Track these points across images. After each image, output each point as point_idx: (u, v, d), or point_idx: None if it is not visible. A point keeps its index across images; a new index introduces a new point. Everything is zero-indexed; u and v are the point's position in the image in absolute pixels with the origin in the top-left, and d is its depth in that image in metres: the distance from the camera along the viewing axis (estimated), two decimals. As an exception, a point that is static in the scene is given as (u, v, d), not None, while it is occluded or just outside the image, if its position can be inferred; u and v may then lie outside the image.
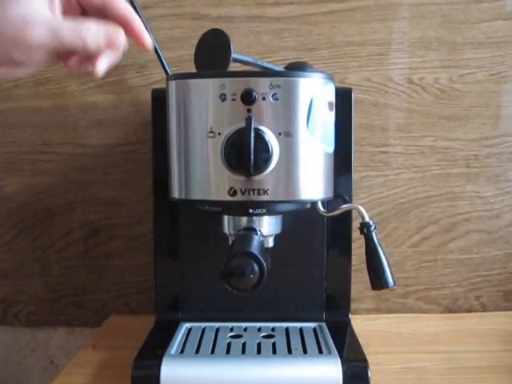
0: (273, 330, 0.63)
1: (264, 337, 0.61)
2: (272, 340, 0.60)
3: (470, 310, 0.79)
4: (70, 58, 0.45)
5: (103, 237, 0.80)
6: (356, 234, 0.60)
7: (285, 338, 0.61)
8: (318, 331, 0.63)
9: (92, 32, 0.43)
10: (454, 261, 0.79)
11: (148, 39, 0.46)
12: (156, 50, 0.61)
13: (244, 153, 0.48)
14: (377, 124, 0.77)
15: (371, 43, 0.75)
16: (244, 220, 0.55)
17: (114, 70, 0.76)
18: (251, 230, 0.54)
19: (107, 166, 0.79)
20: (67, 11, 0.45)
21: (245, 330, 0.64)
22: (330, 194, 0.55)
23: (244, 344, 0.59)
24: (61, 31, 0.42)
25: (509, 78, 0.76)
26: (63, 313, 0.82)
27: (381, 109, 0.77)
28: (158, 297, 0.67)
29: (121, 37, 0.45)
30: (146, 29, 0.46)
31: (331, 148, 0.54)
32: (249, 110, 0.49)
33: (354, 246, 0.66)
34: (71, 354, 0.79)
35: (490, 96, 0.76)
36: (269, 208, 0.52)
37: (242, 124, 0.49)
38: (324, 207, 0.58)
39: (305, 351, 0.57)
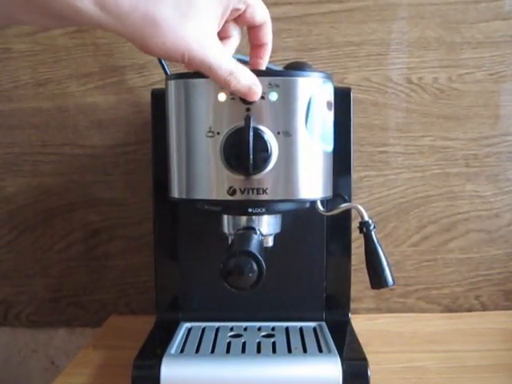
0: (273, 329, 0.63)
1: (264, 336, 0.61)
2: (272, 339, 0.60)
3: (470, 310, 0.79)
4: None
5: (103, 237, 0.80)
6: (355, 233, 0.60)
7: (285, 337, 0.61)
8: (318, 330, 0.63)
9: (241, 80, 0.44)
10: (453, 260, 0.79)
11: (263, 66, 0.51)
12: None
13: (243, 152, 0.48)
14: (376, 124, 0.77)
15: (370, 43, 0.76)
16: (243, 219, 0.55)
17: (113, 71, 0.77)
18: (250, 229, 0.54)
19: (107, 167, 0.79)
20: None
21: (245, 329, 0.64)
22: (330, 194, 0.55)
23: (244, 343, 0.59)
24: (218, 66, 0.42)
25: (508, 78, 0.76)
26: (64, 313, 0.82)
27: (380, 108, 0.77)
28: (159, 297, 0.67)
29: (259, 93, 0.47)
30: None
31: (330, 147, 0.54)
32: (248, 110, 0.49)
33: (353, 245, 0.66)
34: (72, 354, 0.79)
35: (488, 96, 0.76)
36: (268, 207, 0.52)
37: (241, 123, 0.48)
38: (323, 206, 0.58)
39: (305, 350, 0.57)
